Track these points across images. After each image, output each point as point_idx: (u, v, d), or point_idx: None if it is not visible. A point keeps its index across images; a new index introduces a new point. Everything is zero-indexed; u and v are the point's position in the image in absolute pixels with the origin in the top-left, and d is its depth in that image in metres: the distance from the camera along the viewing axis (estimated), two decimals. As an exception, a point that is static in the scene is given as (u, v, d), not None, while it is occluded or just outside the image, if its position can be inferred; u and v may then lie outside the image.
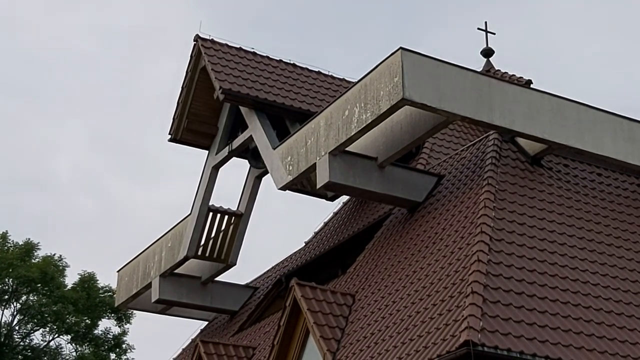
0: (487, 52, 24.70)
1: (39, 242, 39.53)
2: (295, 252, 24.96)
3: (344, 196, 23.71)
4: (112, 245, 58.59)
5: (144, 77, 62.22)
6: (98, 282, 39.82)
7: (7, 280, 38.33)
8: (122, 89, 62.79)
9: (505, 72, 23.73)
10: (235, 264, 23.75)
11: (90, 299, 39.11)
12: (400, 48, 17.50)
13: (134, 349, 40.12)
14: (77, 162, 61.18)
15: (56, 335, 39.43)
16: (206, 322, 26.00)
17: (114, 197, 60.41)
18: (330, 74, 24.23)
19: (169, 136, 24.03)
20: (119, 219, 60.28)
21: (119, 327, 40.07)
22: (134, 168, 62.92)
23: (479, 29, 24.69)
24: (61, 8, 63.24)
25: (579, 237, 17.33)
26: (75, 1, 62.62)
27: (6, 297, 38.58)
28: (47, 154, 61.25)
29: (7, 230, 39.77)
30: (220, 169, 23.64)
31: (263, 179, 23.55)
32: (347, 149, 18.82)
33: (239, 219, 23.42)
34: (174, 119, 23.85)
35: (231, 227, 23.42)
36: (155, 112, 59.37)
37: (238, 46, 23.38)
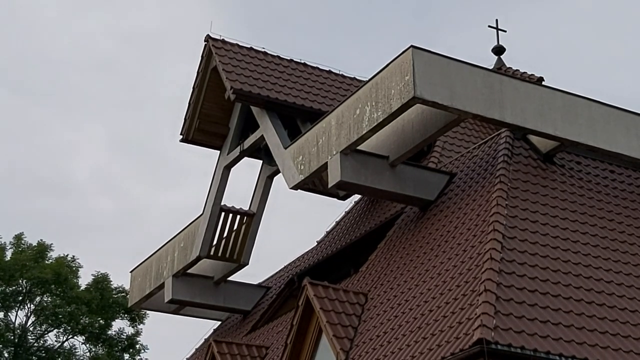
0: (498, 50, 24.65)
1: (52, 244, 39.73)
2: (307, 252, 24.96)
3: (356, 195, 23.70)
4: (126, 245, 58.75)
5: (162, 79, 62.42)
6: (111, 282, 39.95)
7: (21, 281, 38.48)
8: (140, 92, 63.02)
9: (517, 70, 23.66)
10: (247, 264, 23.76)
11: (103, 300, 39.21)
12: (411, 46, 17.47)
13: (148, 349, 40.27)
14: (95, 164, 61.42)
15: (70, 336, 39.53)
16: (219, 322, 26.03)
17: (128, 198, 60.59)
18: (341, 73, 24.22)
19: (181, 136, 24.09)
20: (133, 219, 60.46)
21: (133, 327, 40.18)
22: (150, 169, 63.11)
23: (489, 26, 24.62)
24: (79, 12, 63.57)
25: (592, 235, 17.28)
26: (93, 5, 62.89)
27: (20, 298, 38.72)
28: (66, 156, 61.51)
29: (22, 232, 40.02)
30: (232, 169, 23.67)
31: (275, 178, 23.56)
32: (358, 147, 18.80)
33: (251, 219, 23.42)
34: (185, 119, 23.89)
35: (243, 226, 23.42)
36: (171, 114, 59.53)
37: (249, 46, 23.39)
